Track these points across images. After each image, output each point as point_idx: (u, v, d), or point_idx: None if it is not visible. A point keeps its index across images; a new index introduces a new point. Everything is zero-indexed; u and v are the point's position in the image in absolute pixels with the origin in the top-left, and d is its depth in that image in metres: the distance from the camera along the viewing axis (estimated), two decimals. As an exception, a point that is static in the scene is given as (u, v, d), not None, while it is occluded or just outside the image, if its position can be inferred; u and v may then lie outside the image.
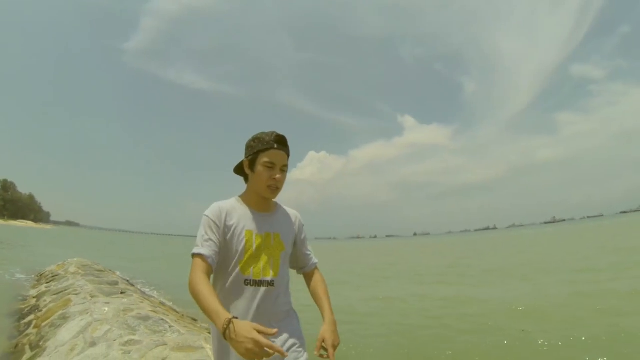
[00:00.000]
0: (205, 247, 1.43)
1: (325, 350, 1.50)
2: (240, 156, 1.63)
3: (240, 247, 1.48)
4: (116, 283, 5.80)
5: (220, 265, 1.49)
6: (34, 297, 5.90)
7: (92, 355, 3.04)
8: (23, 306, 5.61)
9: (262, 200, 1.59)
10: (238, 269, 1.47)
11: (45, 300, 5.17)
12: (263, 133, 1.56)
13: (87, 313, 4.02)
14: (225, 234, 1.49)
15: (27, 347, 3.73)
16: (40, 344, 3.60)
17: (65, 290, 5.09)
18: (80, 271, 6.50)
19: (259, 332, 1.13)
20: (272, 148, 1.51)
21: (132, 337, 3.29)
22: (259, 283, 1.47)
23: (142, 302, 4.72)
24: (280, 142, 1.53)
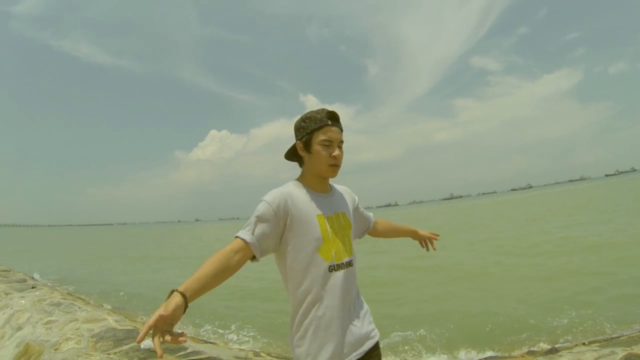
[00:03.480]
0: (252, 233, 1.35)
1: (429, 242, 1.96)
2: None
3: (317, 234, 1.42)
4: (24, 280, 6.75)
5: (298, 257, 1.41)
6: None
7: (21, 335, 4.25)
8: None
9: (321, 182, 1.54)
10: (319, 256, 1.41)
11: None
12: (312, 111, 1.50)
13: (7, 307, 5.12)
14: (290, 222, 1.40)
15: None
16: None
17: (-22, 293, 5.97)
18: (-15, 273, 7.25)
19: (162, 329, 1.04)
20: (327, 125, 1.45)
21: (50, 318, 4.55)
22: (341, 266, 1.44)
23: (52, 293, 5.89)
24: (333, 117, 1.48)
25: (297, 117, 1.55)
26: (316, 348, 1.37)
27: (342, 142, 1.51)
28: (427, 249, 1.97)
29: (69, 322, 4.40)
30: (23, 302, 5.24)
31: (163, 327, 1.05)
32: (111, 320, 4.45)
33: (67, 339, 3.80)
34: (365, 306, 1.56)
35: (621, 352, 2.71)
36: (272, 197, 1.41)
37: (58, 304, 5.10)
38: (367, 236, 1.90)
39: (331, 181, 1.62)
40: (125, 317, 5.08)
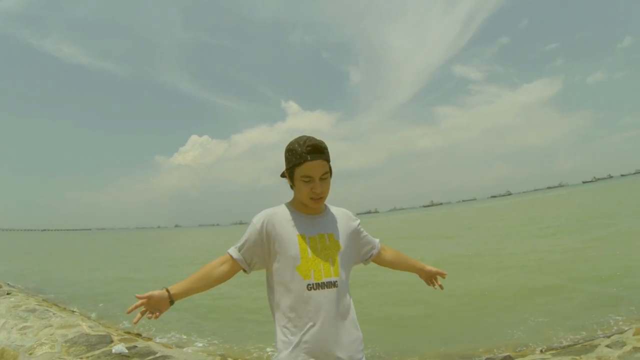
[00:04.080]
0: (239, 250, 1.52)
1: (435, 280, 1.88)
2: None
3: (295, 252, 1.47)
4: (0, 287, 6.87)
5: (280, 275, 1.49)
6: None
7: (-5, 340, 4.44)
8: None
9: (308, 206, 1.56)
10: (298, 274, 1.45)
11: None
12: (296, 142, 1.48)
13: (-17, 313, 5.28)
14: (272, 242, 1.50)
15: None
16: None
17: (-46, 298, 6.08)
18: (-40, 279, 7.34)
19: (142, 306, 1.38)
20: (306, 161, 1.45)
21: (25, 324, 4.74)
22: (322, 285, 1.45)
23: (27, 300, 6.04)
24: (314, 151, 1.46)
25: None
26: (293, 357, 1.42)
27: (326, 173, 1.51)
28: (435, 287, 1.91)
29: (44, 327, 4.60)
30: (-2, 308, 5.40)
31: (148, 308, 1.39)
32: (85, 326, 4.65)
33: (42, 344, 4.01)
34: (356, 333, 1.53)
35: (569, 361, 2.77)
36: (257, 217, 1.53)
37: (33, 310, 5.27)
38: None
39: (329, 203, 1.65)
40: (100, 324, 5.28)
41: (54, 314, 5.19)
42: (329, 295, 1.46)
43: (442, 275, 1.88)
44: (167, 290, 1.44)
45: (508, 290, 7.69)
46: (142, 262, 20.09)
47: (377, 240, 1.80)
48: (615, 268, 8.07)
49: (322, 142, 1.49)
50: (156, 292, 1.42)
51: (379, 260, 1.80)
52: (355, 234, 1.67)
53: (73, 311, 6.93)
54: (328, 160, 1.52)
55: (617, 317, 5.15)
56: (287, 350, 1.43)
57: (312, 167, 1.46)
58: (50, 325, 4.66)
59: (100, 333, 4.37)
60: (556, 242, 13.25)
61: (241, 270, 1.56)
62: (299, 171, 1.47)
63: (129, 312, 1.40)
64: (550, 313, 5.85)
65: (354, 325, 1.53)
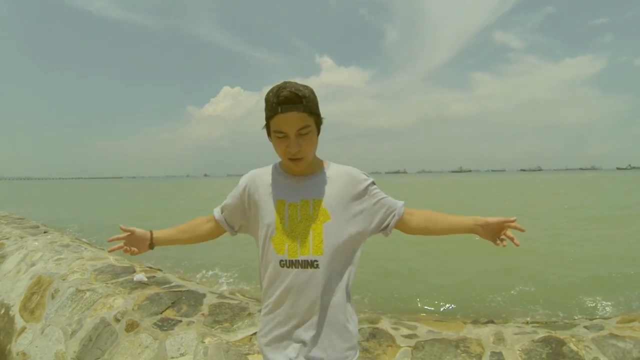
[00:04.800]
0: (222, 211, 1.41)
1: (504, 236, 1.30)
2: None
3: (270, 221, 1.25)
4: (37, 227, 7.54)
5: (258, 243, 1.31)
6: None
7: (34, 270, 4.98)
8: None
9: None
10: (272, 247, 1.24)
11: (-20, 248, 6.71)
12: (270, 92, 1.18)
13: (23, 248, 5.88)
14: (252, 207, 1.32)
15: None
16: (-10, 276, 5.32)
17: (-4, 237, 6.77)
18: (2, 221, 8.08)
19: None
20: (277, 113, 1.16)
21: (60, 257, 5.28)
22: (295, 264, 1.20)
23: (62, 237, 6.66)
24: (287, 101, 1.14)
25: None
26: (264, 341, 1.28)
27: (305, 127, 1.19)
28: (504, 245, 1.32)
29: (76, 259, 5.13)
30: (36, 243, 6.00)
31: (128, 242, 1.43)
32: (112, 259, 5.17)
33: (73, 272, 4.53)
34: (329, 331, 1.23)
35: (542, 333, 2.80)
36: (242, 178, 1.36)
37: (67, 245, 5.84)
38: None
39: (333, 160, 1.37)
40: (125, 258, 5.83)
41: (85, 249, 5.75)
42: (304, 276, 1.21)
43: (512, 223, 1.30)
44: (151, 232, 1.44)
45: (505, 263, 7.31)
46: (170, 209, 21.13)
47: (399, 203, 1.38)
48: (619, 259, 7.75)
49: (301, 90, 1.18)
50: (139, 230, 1.42)
51: (404, 227, 1.39)
52: (362, 200, 1.31)
53: (102, 249, 7.60)
54: (311, 112, 1.20)
55: (606, 309, 5.10)
56: (263, 325, 1.31)
57: (284, 120, 1.17)
58: (82, 258, 5.19)
59: (124, 265, 4.87)
60: (571, 225, 12.61)
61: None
62: (272, 125, 1.21)
63: (110, 241, 1.39)
64: (539, 290, 5.79)
65: (339, 321, 1.25)
